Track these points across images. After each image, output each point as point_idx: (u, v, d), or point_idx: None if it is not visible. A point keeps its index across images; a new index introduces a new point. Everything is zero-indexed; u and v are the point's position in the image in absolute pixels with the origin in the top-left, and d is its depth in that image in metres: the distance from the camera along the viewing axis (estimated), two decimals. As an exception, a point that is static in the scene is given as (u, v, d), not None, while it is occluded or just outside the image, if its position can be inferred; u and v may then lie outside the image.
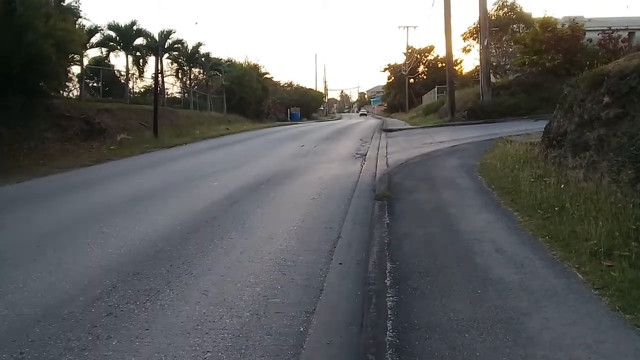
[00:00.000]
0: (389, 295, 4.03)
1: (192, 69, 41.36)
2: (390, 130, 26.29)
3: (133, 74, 32.45)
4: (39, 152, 16.00)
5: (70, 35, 18.09)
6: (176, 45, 36.27)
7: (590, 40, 24.71)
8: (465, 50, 43.52)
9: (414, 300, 3.91)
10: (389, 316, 3.65)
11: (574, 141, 7.30)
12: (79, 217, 7.62)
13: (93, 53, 29.92)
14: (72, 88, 25.49)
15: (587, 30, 25.14)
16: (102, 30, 28.45)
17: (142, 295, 4.33)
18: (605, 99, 6.68)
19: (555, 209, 5.90)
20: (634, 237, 4.60)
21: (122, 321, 3.84)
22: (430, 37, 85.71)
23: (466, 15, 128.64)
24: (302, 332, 3.63)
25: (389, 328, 3.47)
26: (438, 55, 60.97)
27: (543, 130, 9.42)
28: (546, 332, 3.28)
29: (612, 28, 24.82)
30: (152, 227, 6.73)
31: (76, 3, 20.37)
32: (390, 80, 72.18)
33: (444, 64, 39.05)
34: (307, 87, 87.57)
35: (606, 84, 6.74)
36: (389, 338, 3.34)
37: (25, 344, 3.53)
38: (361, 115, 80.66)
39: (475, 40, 37.86)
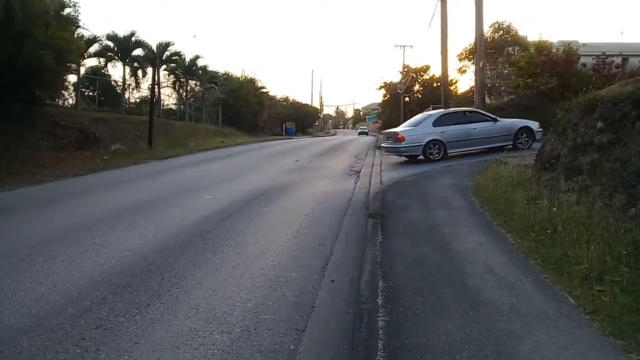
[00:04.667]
0: (381, 314, 4.02)
1: (189, 81, 41.61)
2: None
3: (130, 84, 32.61)
4: (32, 160, 15.95)
5: (68, 45, 18.16)
6: (174, 57, 36.58)
7: (584, 64, 25.05)
8: (461, 71, 43.79)
9: (406, 320, 3.90)
10: (381, 336, 3.64)
11: (567, 165, 7.36)
12: (70, 226, 7.58)
13: (90, 62, 30.12)
14: (68, 96, 25.55)
15: (581, 55, 25.50)
16: (100, 40, 28.72)
17: (132, 308, 4.30)
18: (598, 124, 6.75)
19: (548, 231, 5.92)
20: (625, 262, 4.62)
21: (111, 334, 3.81)
22: (426, 57, 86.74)
23: (462, 37, 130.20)
24: (293, 350, 3.60)
25: (380, 348, 3.45)
26: (434, 75, 61.24)
27: (536, 153, 9.48)
28: (537, 356, 3.28)
29: (606, 53, 25.20)
30: (144, 239, 6.70)
31: (75, 13, 20.49)
32: (386, 98, 72.37)
33: (439, 84, 39.34)
34: (303, 102, 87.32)
35: (600, 110, 6.81)
36: (380, 358, 3.33)
37: (13, 354, 3.50)
38: (360, 133, 65.62)
39: (470, 61, 38.17)
